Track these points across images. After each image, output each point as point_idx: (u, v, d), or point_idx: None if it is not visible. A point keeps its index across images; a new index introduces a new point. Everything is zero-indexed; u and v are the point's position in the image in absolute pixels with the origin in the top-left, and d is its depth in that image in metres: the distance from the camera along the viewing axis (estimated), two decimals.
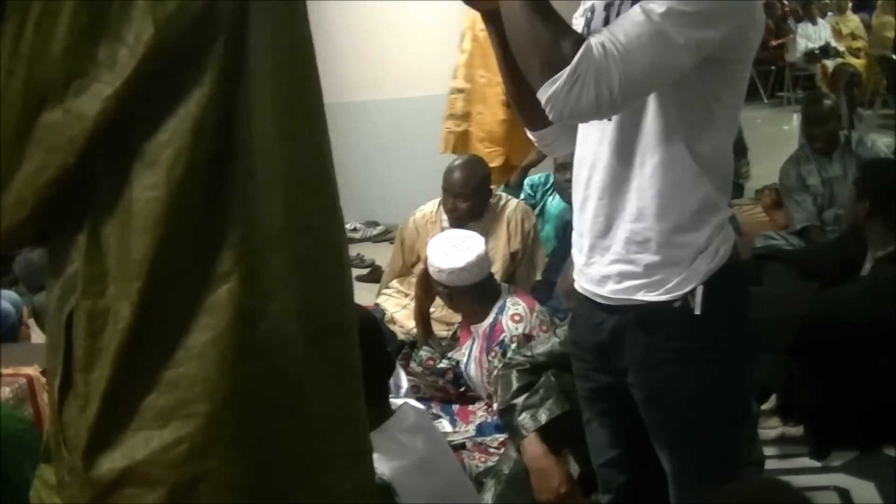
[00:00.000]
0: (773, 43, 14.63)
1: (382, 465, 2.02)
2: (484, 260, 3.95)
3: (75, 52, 1.27)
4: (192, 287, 1.35)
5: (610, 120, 2.25)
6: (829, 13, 14.17)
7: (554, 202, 5.46)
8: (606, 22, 2.24)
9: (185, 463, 1.37)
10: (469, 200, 4.77)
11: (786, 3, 16.70)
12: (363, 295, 5.27)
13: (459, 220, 4.75)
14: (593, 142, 2.34)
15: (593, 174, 2.35)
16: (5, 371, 3.48)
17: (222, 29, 1.34)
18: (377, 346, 2.44)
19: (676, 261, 2.28)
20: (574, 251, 2.50)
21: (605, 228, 2.34)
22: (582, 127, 2.41)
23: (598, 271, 2.39)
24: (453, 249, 3.96)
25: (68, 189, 1.32)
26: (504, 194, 5.16)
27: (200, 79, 1.33)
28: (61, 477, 1.48)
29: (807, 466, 4.15)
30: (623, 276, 2.34)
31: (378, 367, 2.37)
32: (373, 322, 2.61)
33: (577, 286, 2.52)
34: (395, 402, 2.55)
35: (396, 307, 4.85)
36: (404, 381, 3.86)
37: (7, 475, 2.43)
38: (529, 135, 2.58)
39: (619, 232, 2.32)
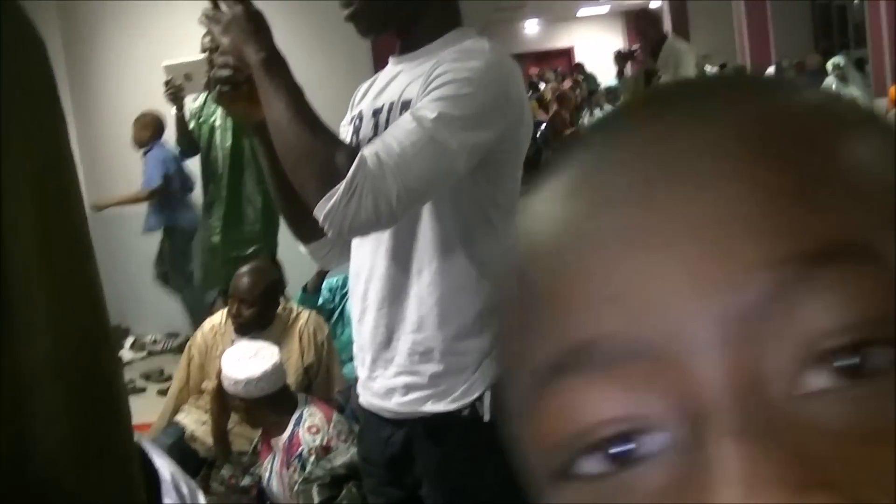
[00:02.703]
0: (568, 132, 15.09)
1: None
2: (279, 369, 3.89)
3: None
4: None
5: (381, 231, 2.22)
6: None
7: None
8: (376, 129, 2.23)
9: None
10: (254, 307, 4.66)
11: (577, 93, 17.33)
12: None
13: (244, 327, 4.65)
14: (368, 251, 2.31)
15: (370, 285, 2.32)
16: None
17: None
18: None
19: (461, 368, 2.25)
20: (356, 365, 2.46)
21: (387, 340, 2.31)
22: (355, 239, 2.37)
23: (382, 384, 2.35)
24: (248, 360, 3.89)
25: None
26: (295, 306, 5.09)
27: None
28: None
29: None
30: (409, 388, 2.30)
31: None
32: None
33: (361, 401, 2.47)
34: None
35: (196, 423, 4.72)
36: (201, 500, 3.74)
37: None
38: (302, 249, 2.53)
39: (401, 343, 2.28)
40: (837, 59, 12.81)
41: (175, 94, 6.12)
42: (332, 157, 1.99)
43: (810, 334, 0.40)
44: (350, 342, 5.03)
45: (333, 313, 5.51)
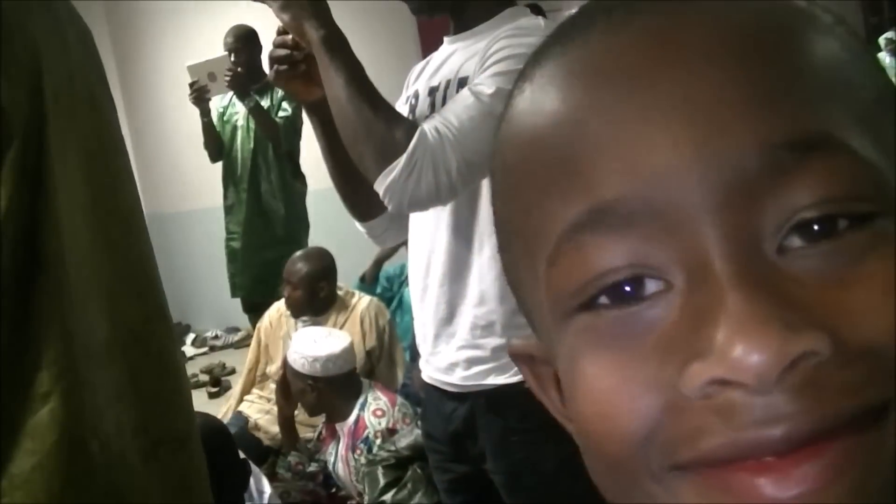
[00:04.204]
0: None
1: None
2: (352, 350, 3.95)
3: None
4: (9, 411, 1.30)
5: (445, 206, 2.26)
6: None
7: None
8: (432, 107, 2.25)
9: None
10: (301, 289, 4.74)
11: None
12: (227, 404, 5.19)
13: (295, 309, 4.73)
14: (429, 228, 2.34)
15: (431, 261, 2.34)
16: None
17: (14, 136, 1.29)
18: (227, 455, 2.39)
19: None
20: (418, 341, 2.49)
21: (449, 315, 2.33)
22: (415, 214, 2.40)
23: (445, 359, 2.37)
24: (324, 339, 3.96)
25: None
26: (356, 291, 5.14)
27: None
28: None
29: None
30: (471, 362, 2.33)
31: (229, 476, 2.32)
32: (220, 431, 2.55)
33: (424, 376, 2.50)
34: None
35: (259, 413, 4.78)
36: (267, 487, 3.79)
37: None
38: (359, 227, 2.55)
39: (463, 318, 2.31)
40: (890, 34, 12.62)
41: (200, 96, 6.15)
42: (392, 132, 2.00)
43: (794, 206, 0.48)
44: (409, 329, 5.09)
45: (391, 302, 5.55)
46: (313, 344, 3.93)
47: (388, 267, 5.96)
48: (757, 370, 0.45)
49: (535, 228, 0.56)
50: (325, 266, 4.91)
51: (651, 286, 0.51)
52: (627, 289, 0.51)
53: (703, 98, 0.50)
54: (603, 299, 0.52)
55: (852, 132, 0.50)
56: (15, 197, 1.29)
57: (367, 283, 5.82)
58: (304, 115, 2.51)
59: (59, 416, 1.32)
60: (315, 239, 6.36)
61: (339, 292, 4.93)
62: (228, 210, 6.89)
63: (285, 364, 4.03)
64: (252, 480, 3.05)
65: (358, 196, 2.35)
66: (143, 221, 1.56)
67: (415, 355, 4.73)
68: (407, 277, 5.55)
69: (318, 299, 4.76)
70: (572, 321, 0.53)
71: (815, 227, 0.49)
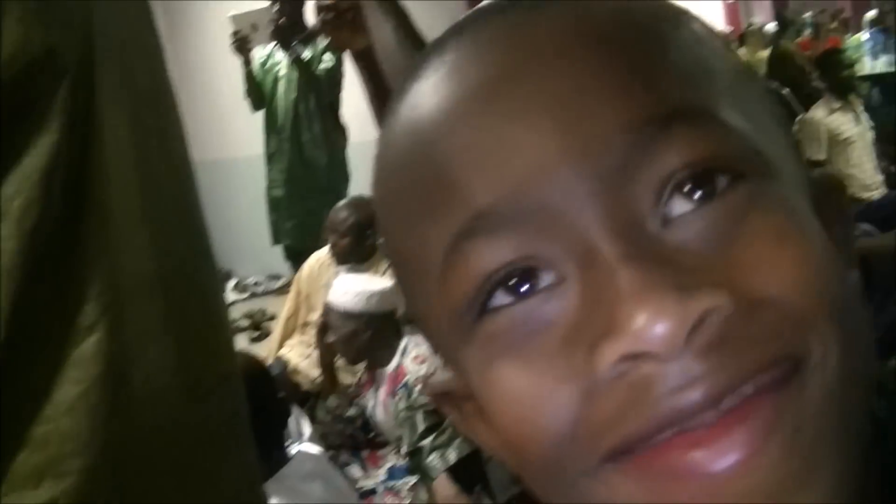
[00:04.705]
0: None
1: None
2: (393, 293, 3.95)
3: None
4: (55, 341, 1.31)
5: None
6: None
7: None
8: None
9: None
10: (347, 237, 4.76)
11: None
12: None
13: (341, 257, 4.75)
14: None
15: None
16: None
17: (65, 74, 1.30)
18: (267, 394, 2.40)
19: None
20: None
21: None
22: None
23: None
24: (364, 279, 3.98)
25: None
26: None
27: (45, 127, 1.28)
28: None
29: None
30: None
31: (269, 415, 2.33)
32: (261, 369, 2.57)
33: None
34: (293, 448, 2.51)
35: (299, 358, 4.80)
36: (307, 429, 3.83)
37: None
38: None
39: None
40: (873, 13, 12.76)
41: (242, 45, 6.19)
42: None
43: (666, 172, 0.49)
44: None
45: None
46: (361, 282, 3.95)
47: None
48: (663, 337, 0.45)
49: (420, 253, 0.56)
50: (371, 214, 4.90)
51: (544, 279, 0.51)
52: (520, 286, 0.51)
53: (563, 90, 0.50)
54: (498, 299, 0.52)
55: (716, 104, 0.52)
56: (65, 135, 1.30)
57: None
58: (346, 67, 2.51)
59: (104, 349, 1.33)
60: (355, 191, 6.36)
61: (379, 242, 4.95)
62: (270, 158, 6.94)
63: (326, 310, 4.03)
64: (292, 421, 3.08)
65: None
66: (191, 164, 1.57)
67: None
68: None
69: (363, 247, 4.78)
70: (474, 335, 0.53)
71: (693, 193, 0.50)
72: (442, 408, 0.66)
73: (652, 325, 0.45)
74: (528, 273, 0.51)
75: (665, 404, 0.47)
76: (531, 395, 0.50)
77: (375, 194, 0.62)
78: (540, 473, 0.54)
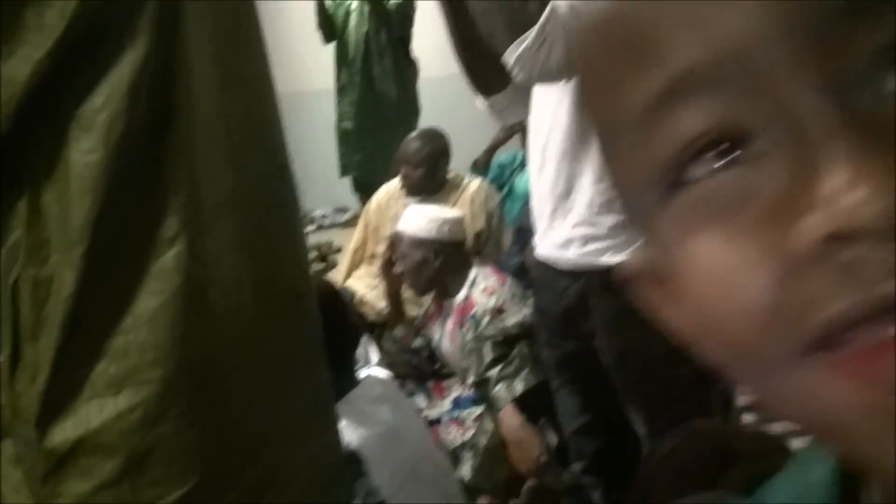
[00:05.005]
0: None
1: (348, 435, 2.00)
2: (463, 222, 3.95)
3: (1, 17, 1.25)
4: (137, 252, 1.33)
5: (569, 81, 2.22)
6: None
7: (522, 181, 5.44)
8: None
9: (140, 430, 1.35)
10: (421, 168, 4.74)
11: None
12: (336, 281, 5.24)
13: (413, 188, 4.73)
14: (551, 104, 2.32)
15: (551, 137, 2.33)
16: None
17: None
18: (340, 316, 2.41)
19: None
20: (535, 216, 2.49)
21: (566, 191, 2.32)
22: (537, 91, 2.38)
23: (561, 235, 2.37)
24: (436, 208, 3.99)
25: (5, 155, 1.30)
26: (467, 174, 5.14)
27: (133, 41, 1.30)
28: (18, 450, 1.46)
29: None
30: (587, 239, 2.32)
31: (341, 336, 2.34)
32: (334, 292, 2.58)
33: (538, 252, 2.50)
34: (362, 373, 2.52)
35: (366, 289, 4.81)
36: (374, 356, 3.84)
37: None
38: (480, 103, 2.54)
39: (582, 194, 2.30)
40: None
41: None
42: (524, 4, 1.98)
43: (882, 43, 0.44)
44: (518, 217, 5.09)
45: (502, 189, 5.53)
46: (426, 210, 3.95)
47: (501, 155, 5.93)
48: (877, 213, 0.41)
49: (620, 114, 0.52)
50: (443, 146, 4.90)
51: (747, 148, 0.47)
52: (723, 156, 0.47)
53: None
54: (699, 168, 0.48)
55: None
56: (151, 48, 1.31)
57: (480, 167, 5.81)
58: (417, 2, 2.51)
59: (184, 261, 1.34)
60: (425, 125, 6.36)
61: (449, 175, 4.93)
62: (341, 91, 6.94)
63: (394, 239, 4.01)
64: (360, 347, 3.09)
65: (483, 71, 2.34)
66: (272, 85, 1.57)
67: (525, 240, 4.74)
68: (519, 166, 5.54)
69: (435, 179, 4.77)
70: (671, 205, 0.50)
71: None
72: (632, 291, 0.63)
73: (867, 199, 0.41)
74: (730, 141, 0.47)
75: (877, 289, 0.42)
76: (730, 270, 0.47)
77: (578, 54, 0.60)
78: (735, 361, 0.50)
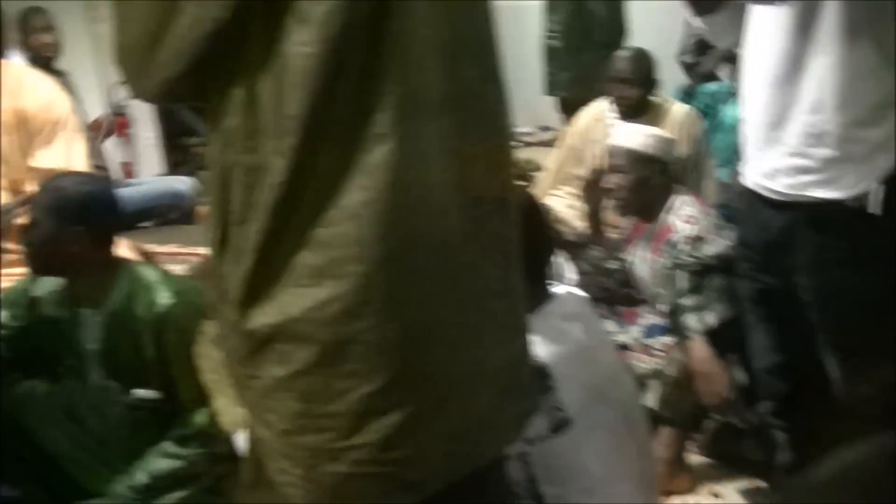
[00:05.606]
0: None
1: (539, 350, 1.99)
2: (673, 143, 3.87)
3: None
4: (347, 146, 1.34)
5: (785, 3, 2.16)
6: None
7: (730, 113, 5.31)
8: None
9: (337, 322, 1.37)
10: (636, 87, 4.66)
11: None
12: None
13: (627, 109, 4.65)
14: (766, 28, 2.25)
15: (766, 63, 2.26)
16: (181, 250, 3.57)
17: None
18: (537, 226, 2.39)
19: (854, 156, 2.18)
20: (744, 143, 2.43)
21: (779, 119, 2.26)
22: (754, 14, 2.32)
23: (769, 164, 2.31)
24: (646, 127, 3.92)
25: (223, 44, 1.32)
26: (671, 98, 5.05)
27: None
28: (221, 330, 1.51)
29: None
30: (796, 171, 2.26)
31: (538, 248, 2.32)
32: (534, 203, 2.55)
33: (744, 181, 2.44)
34: (557, 289, 2.51)
35: (565, 207, 4.80)
36: (568, 273, 3.82)
37: (189, 345, 2.48)
38: (696, 22, 2.48)
39: (794, 124, 2.23)
40: None
41: None
42: None
43: None
44: (727, 147, 4.97)
45: (712, 119, 5.41)
46: (638, 127, 3.88)
47: (712, 84, 5.80)
48: None
49: None
50: (656, 65, 4.82)
51: None
52: None
53: None
54: None
55: None
56: None
57: (688, 94, 5.70)
58: None
59: (393, 158, 1.35)
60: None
61: (656, 99, 4.85)
62: (550, 8, 6.87)
63: (612, 153, 3.91)
64: (556, 263, 3.07)
65: None
66: None
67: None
68: (729, 96, 5.40)
69: (646, 100, 4.70)
70: None
71: None
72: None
73: None
74: None
75: None
76: None
77: None
78: None
